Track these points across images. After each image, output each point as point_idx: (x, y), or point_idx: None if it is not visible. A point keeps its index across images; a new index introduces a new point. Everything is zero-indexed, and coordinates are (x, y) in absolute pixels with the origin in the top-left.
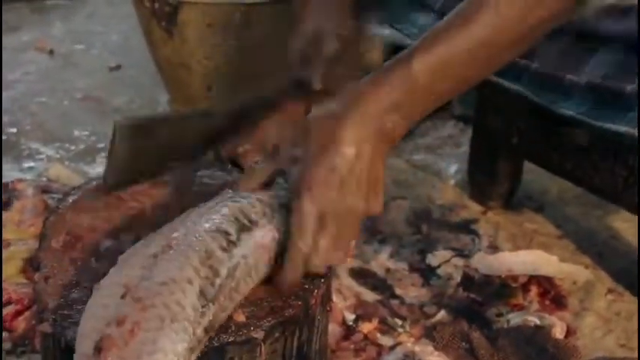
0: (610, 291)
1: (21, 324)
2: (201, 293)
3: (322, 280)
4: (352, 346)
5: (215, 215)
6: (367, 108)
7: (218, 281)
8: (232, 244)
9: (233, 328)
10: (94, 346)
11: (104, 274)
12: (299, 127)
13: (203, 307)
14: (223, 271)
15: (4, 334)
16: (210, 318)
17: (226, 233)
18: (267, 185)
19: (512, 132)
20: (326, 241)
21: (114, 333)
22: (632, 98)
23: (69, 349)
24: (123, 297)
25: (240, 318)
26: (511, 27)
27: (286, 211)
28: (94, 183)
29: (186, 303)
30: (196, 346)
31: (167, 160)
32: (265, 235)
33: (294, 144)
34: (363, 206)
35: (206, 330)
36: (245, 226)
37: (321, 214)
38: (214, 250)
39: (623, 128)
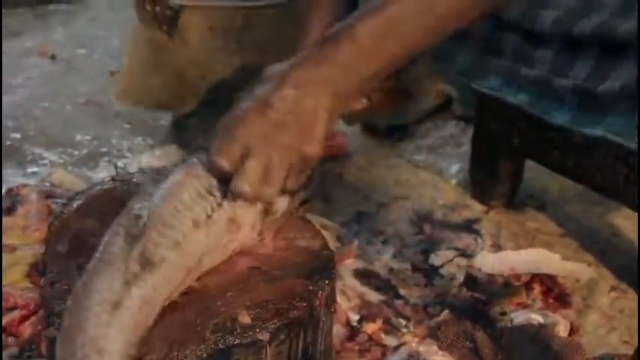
0: (613, 288)
1: (27, 329)
2: (127, 234)
3: (327, 282)
4: (357, 347)
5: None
6: (314, 61)
7: (141, 222)
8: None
9: (238, 330)
10: None
11: None
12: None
13: (129, 244)
14: (144, 213)
15: (11, 339)
16: (140, 250)
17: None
18: None
19: (513, 132)
20: (251, 169)
21: None
22: (607, 100)
23: None
24: None
25: (246, 320)
26: None
27: None
28: (97, 188)
29: (115, 247)
30: (132, 280)
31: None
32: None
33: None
34: (295, 145)
35: (141, 264)
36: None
37: (248, 142)
38: (133, 203)
39: (599, 132)
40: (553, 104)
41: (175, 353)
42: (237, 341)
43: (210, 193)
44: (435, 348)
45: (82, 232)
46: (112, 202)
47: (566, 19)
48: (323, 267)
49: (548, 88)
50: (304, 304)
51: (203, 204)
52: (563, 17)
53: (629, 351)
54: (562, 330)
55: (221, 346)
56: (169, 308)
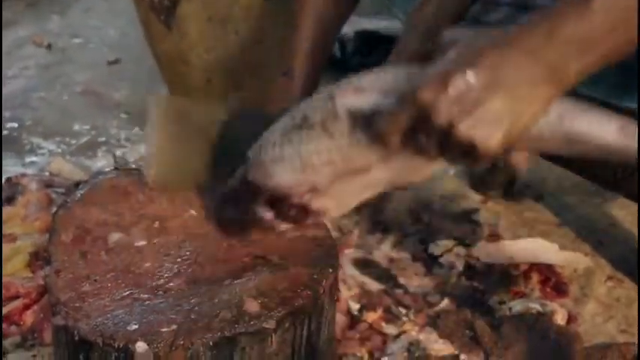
0: (610, 278)
1: (29, 317)
2: None
3: (330, 271)
4: (357, 336)
5: None
6: (536, 37)
7: None
8: None
9: (245, 318)
10: None
11: (114, 268)
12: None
13: None
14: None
15: (13, 328)
16: None
17: None
18: None
19: None
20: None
21: None
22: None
23: (82, 342)
24: None
25: (253, 308)
26: None
27: None
28: (101, 177)
29: None
30: None
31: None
32: None
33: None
34: (477, 139)
35: None
36: None
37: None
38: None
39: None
40: None
41: (181, 341)
42: (243, 329)
43: None
44: (434, 336)
45: (86, 221)
46: (115, 191)
47: None
48: (327, 256)
49: None
50: (309, 293)
51: None
52: None
53: (627, 339)
54: (560, 319)
55: (227, 334)
56: (176, 296)
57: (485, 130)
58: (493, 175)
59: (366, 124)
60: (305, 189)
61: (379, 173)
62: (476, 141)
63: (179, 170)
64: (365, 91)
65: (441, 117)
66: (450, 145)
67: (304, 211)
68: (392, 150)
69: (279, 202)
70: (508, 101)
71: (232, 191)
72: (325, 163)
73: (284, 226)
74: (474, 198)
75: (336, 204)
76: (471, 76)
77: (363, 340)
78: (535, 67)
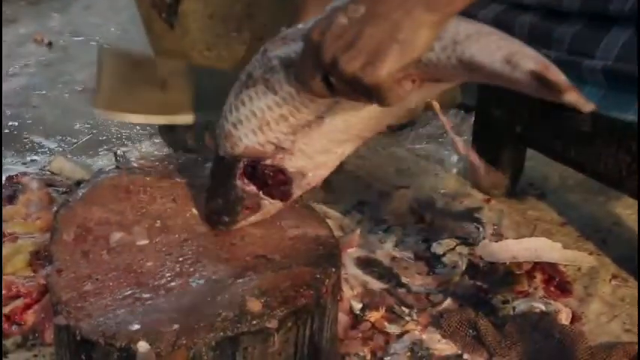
0: (614, 277)
1: (30, 317)
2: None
3: (333, 270)
4: (360, 335)
5: None
6: None
7: None
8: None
9: (247, 318)
10: None
11: (115, 267)
12: None
13: None
14: None
15: (15, 328)
16: None
17: None
18: None
19: (516, 120)
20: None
21: None
22: None
23: (84, 342)
24: None
25: (256, 307)
26: None
27: None
28: (102, 176)
29: None
30: None
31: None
32: None
33: None
34: (359, 72)
35: None
36: None
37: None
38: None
39: (630, 117)
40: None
41: (183, 341)
42: (245, 329)
43: None
44: (437, 336)
45: (87, 220)
46: (116, 190)
47: None
48: (329, 255)
49: (569, 69)
50: (311, 292)
51: None
52: None
53: (631, 339)
54: (564, 318)
55: (229, 334)
56: (178, 295)
57: (367, 60)
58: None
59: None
60: (271, 149)
61: (335, 123)
62: (358, 73)
63: (123, 97)
64: (290, 39)
65: (326, 54)
66: (340, 82)
67: (282, 175)
68: (320, 95)
69: (256, 172)
70: (388, 30)
71: (212, 175)
72: (278, 118)
73: (271, 202)
74: (476, 196)
75: (311, 164)
76: (350, 11)
77: (365, 339)
78: None
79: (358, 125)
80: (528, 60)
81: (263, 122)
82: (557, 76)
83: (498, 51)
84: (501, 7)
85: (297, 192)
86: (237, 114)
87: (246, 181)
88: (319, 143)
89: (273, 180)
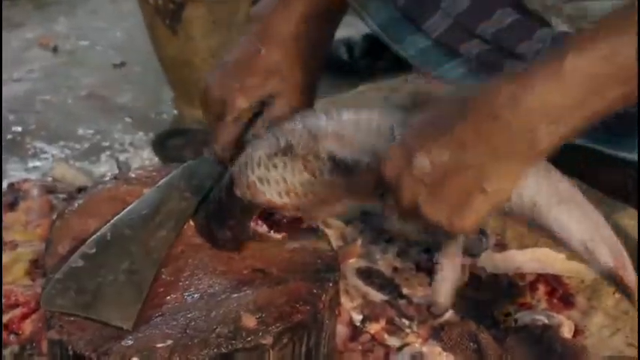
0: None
1: (28, 327)
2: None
3: (330, 285)
4: (360, 347)
5: None
6: (500, 100)
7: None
8: None
9: (242, 334)
10: None
11: None
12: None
13: None
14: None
15: (12, 337)
16: None
17: None
18: None
19: None
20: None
21: None
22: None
23: (76, 356)
24: None
25: (250, 323)
26: None
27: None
28: (100, 187)
29: None
30: None
31: None
32: None
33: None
34: (444, 221)
35: None
36: None
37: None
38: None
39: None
40: None
41: (177, 358)
42: (240, 345)
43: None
44: (438, 349)
45: (83, 232)
46: (113, 202)
47: None
48: (327, 269)
49: None
50: (308, 308)
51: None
52: None
53: (634, 353)
54: (566, 331)
55: (224, 351)
56: (172, 310)
57: (453, 211)
58: None
59: (345, 173)
60: (294, 209)
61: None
62: (443, 222)
63: None
64: (345, 140)
65: (405, 196)
66: (416, 218)
67: (297, 221)
68: (368, 201)
69: (271, 217)
70: (475, 180)
71: (218, 204)
72: (307, 194)
73: (279, 235)
74: None
75: (322, 216)
76: (434, 154)
77: (365, 351)
78: (499, 137)
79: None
80: (605, 251)
81: (291, 190)
82: (629, 277)
83: (577, 231)
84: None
85: (304, 225)
86: (266, 172)
87: (259, 222)
88: (334, 209)
89: (286, 222)
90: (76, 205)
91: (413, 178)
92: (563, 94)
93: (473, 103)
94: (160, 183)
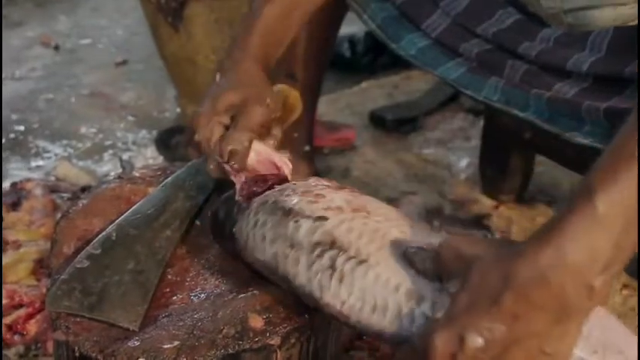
0: (625, 286)
1: (33, 327)
2: None
3: None
4: (366, 345)
5: None
6: (558, 268)
7: None
8: None
9: (250, 335)
10: None
11: None
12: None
13: None
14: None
15: (17, 337)
16: None
17: None
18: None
19: (525, 126)
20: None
21: None
22: None
23: (83, 357)
24: None
25: (257, 324)
26: None
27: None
28: (104, 186)
29: None
30: None
31: None
32: None
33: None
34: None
35: None
36: None
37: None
38: None
39: None
40: (574, 122)
41: (184, 358)
42: (247, 346)
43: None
44: None
45: (88, 232)
46: (117, 201)
47: None
48: None
49: (568, 109)
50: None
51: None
52: None
53: None
54: None
55: (231, 351)
56: (179, 310)
57: None
58: (505, 179)
59: None
60: None
61: None
62: None
63: None
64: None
65: None
66: None
67: None
68: None
69: None
70: (536, 346)
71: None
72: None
73: None
74: (485, 203)
75: None
76: (487, 331)
77: (371, 350)
78: (554, 303)
79: None
80: None
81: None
82: None
83: None
84: (486, 45)
85: None
86: (270, 249)
87: None
88: None
89: None
90: (81, 204)
91: (468, 359)
92: (606, 236)
93: (516, 268)
94: (164, 182)
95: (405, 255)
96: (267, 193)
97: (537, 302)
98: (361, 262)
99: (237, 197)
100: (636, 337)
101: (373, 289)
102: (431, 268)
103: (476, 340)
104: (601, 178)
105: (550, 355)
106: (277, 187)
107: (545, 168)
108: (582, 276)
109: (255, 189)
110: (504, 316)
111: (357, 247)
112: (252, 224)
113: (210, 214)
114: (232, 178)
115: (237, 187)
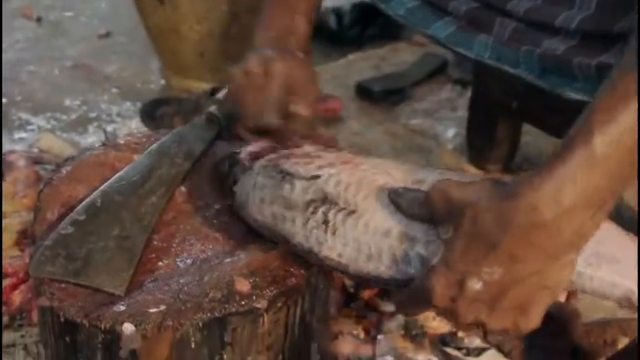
0: None
1: (17, 297)
2: None
3: None
4: (353, 313)
5: None
6: (543, 205)
7: None
8: None
9: (237, 298)
10: None
11: None
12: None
13: None
14: None
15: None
16: None
17: None
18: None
19: (512, 95)
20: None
21: None
22: None
23: (68, 323)
24: None
25: (244, 288)
26: None
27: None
28: (87, 153)
29: None
30: None
31: None
32: None
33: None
34: (511, 327)
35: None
36: None
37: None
38: None
39: None
40: (566, 79)
41: (170, 323)
42: (233, 309)
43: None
44: (432, 314)
45: (72, 198)
46: (101, 168)
47: None
48: None
49: (559, 65)
50: (302, 272)
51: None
52: None
53: (627, 315)
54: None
55: (217, 315)
56: (165, 275)
57: (517, 315)
58: (492, 149)
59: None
60: None
61: None
62: (510, 327)
63: None
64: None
65: (465, 319)
66: (485, 331)
67: None
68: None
69: None
70: (535, 282)
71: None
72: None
73: None
74: (472, 172)
75: None
76: (485, 274)
77: (358, 317)
78: (551, 242)
79: None
80: None
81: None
82: None
83: (617, 288)
84: (474, 3)
85: None
86: (269, 212)
87: None
88: None
89: None
90: (64, 171)
91: (469, 301)
92: (603, 178)
93: (512, 211)
94: (149, 149)
95: (390, 198)
96: (269, 156)
97: (534, 243)
98: (350, 212)
99: (242, 156)
100: (635, 241)
101: (365, 237)
102: (420, 213)
103: (475, 284)
104: (599, 119)
105: (549, 288)
106: (279, 152)
107: (531, 138)
108: (578, 216)
109: (262, 152)
110: (502, 258)
111: (345, 199)
112: (252, 185)
113: (213, 166)
114: (247, 137)
115: (249, 148)
